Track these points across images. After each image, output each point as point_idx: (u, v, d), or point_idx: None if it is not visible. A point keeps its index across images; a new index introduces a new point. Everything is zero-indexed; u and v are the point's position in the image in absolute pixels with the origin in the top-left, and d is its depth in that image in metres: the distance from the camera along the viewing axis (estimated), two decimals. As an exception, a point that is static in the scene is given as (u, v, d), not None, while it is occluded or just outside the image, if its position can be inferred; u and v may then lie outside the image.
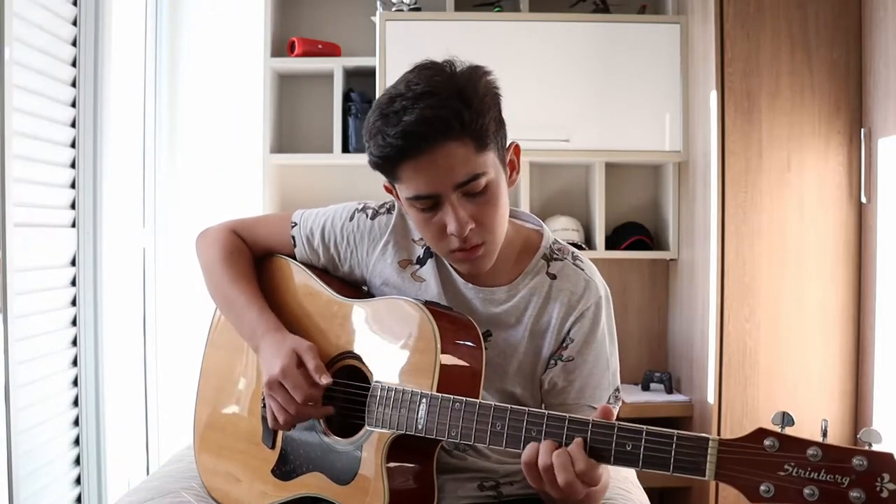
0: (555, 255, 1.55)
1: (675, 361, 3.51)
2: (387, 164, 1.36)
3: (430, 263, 1.55)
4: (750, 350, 3.02)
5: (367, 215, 1.61)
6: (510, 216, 1.57)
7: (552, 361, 1.50)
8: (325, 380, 1.43)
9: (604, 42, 3.29)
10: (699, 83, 3.18)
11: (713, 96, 3.04)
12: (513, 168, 1.47)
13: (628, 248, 3.45)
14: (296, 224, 1.66)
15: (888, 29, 2.82)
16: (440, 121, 1.30)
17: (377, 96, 3.19)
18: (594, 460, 1.19)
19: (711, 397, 3.05)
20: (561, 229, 3.38)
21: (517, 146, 1.47)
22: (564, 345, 1.50)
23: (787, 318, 3.03)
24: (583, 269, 1.54)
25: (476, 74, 1.36)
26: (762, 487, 1.04)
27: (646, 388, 3.42)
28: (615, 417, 1.32)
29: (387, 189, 1.50)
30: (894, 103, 2.79)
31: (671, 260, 3.54)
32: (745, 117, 3.02)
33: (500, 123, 1.40)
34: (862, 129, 2.97)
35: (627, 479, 1.90)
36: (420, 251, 1.57)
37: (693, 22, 3.24)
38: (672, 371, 3.49)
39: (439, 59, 1.39)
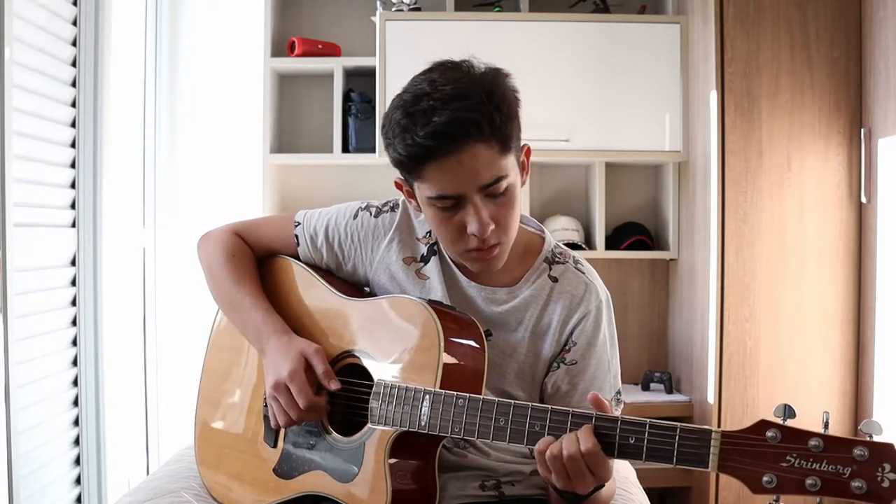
0: (556, 259, 1.56)
1: (675, 361, 3.51)
2: (412, 163, 1.36)
3: (433, 261, 1.56)
4: (750, 350, 3.02)
5: (370, 213, 1.61)
6: None
7: (555, 365, 1.51)
8: (333, 385, 1.45)
9: (604, 42, 3.29)
10: (699, 83, 3.19)
11: (713, 96, 3.04)
12: (524, 170, 1.47)
13: (628, 248, 3.46)
14: (299, 223, 1.66)
15: (888, 29, 2.82)
16: (472, 123, 1.30)
17: (377, 95, 3.23)
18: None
19: (711, 397, 3.05)
20: (561, 229, 3.38)
21: (528, 148, 1.48)
22: (567, 348, 1.50)
23: (787, 318, 3.03)
24: (583, 273, 1.55)
25: (500, 77, 1.37)
26: (765, 478, 1.05)
27: (646, 388, 3.42)
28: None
29: (397, 186, 1.50)
30: (894, 103, 2.79)
31: (671, 260, 3.54)
32: (745, 117, 3.02)
33: (520, 127, 1.41)
34: (862, 129, 2.97)
35: (627, 480, 1.90)
36: (424, 249, 1.57)
37: (693, 22, 3.24)
38: (672, 371, 3.49)
39: (457, 58, 1.39)
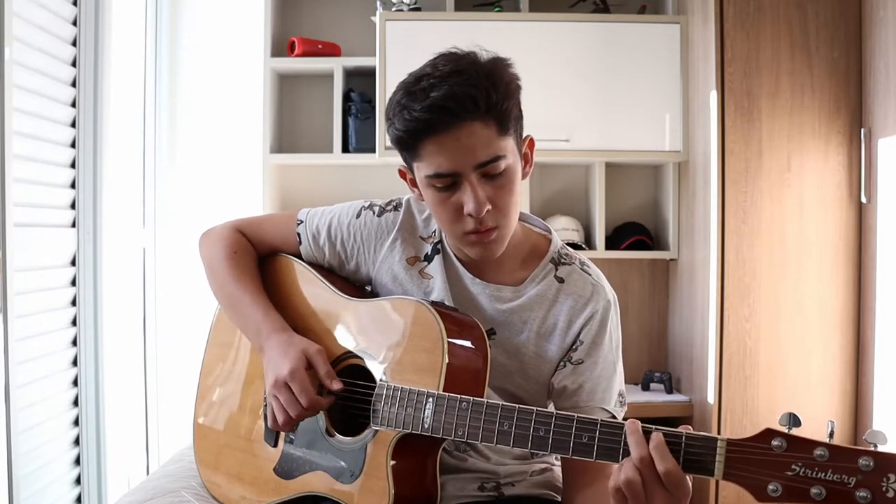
0: (563, 260, 1.55)
1: (675, 361, 3.51)
2: (410, 138, 1.36)
3: (437, 260, 1.55)
4: (750, 350, 3.02)
5: (374, 212, 1.61)
6: (519, 219, 1.58)
7: (561, 364, 1.50)
8: (336, 385, 1.44)
9: (604, 42, 3.29)
10: (699, 83, 3.18)
11: (713, 96, 3.04)
12: (527, 161, 1.48)
13: (628, 248, 3.46)
14: (301, 222, 1.66)
15: (888, 29, 2.82)
16: (469, 98, 1.31)
17: (377, 95, 3.23)
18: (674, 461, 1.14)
19: (711, 397, 3.05)
20: (561, 229, 3.38)
21: (532, 140, 1.48)
22: (574, 347, 1.50)
23: (787, 318, 3.03)
24: (590, 275, 1.54)
25: (501, 63, 1.39)
26: (770, 487, 1.05)
27: (646, 388, 3.42)
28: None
29: (401, 173, 1.51)
30: (894, 103, 2.79)
31: (671, 260, 3.54)
32: (745, 117, 3.02)
33: (520, 113, 1.42)
34: (862, 129, 2.97)
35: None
36: (428, 248, 1.57)
37: (693, 22, 3.24)
38: (672, 371, 3.49)
39: (464, 48, 1.41)
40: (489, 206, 1.37)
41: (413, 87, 1.35)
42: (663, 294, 3.64)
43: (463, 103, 1.31)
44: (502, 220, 1.41)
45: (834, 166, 3.02)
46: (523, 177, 1.47)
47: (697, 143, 3.22)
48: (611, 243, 3.48)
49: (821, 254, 3.03)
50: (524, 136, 1.46)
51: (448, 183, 1.37)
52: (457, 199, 1.38)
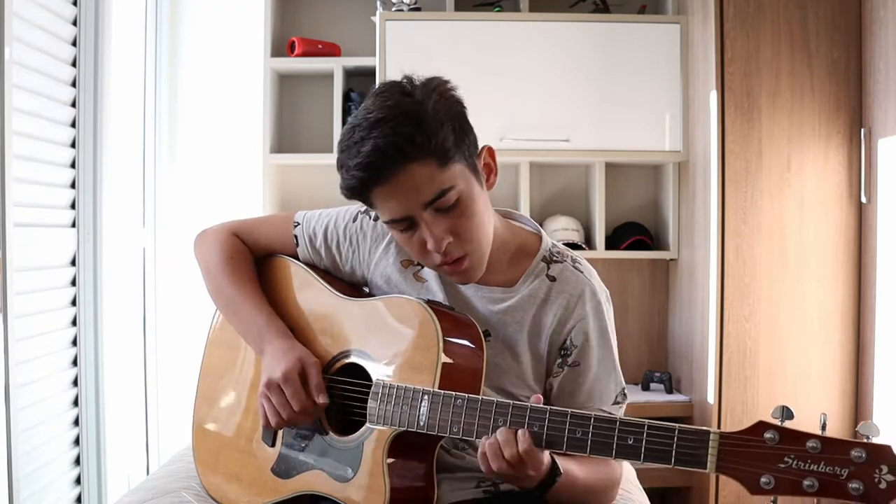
0: (555, 258, 1.55)
1: (675, 361, 3.51)
2: (355, 194, 1.39)
3: None
4: (750, 350, 3.02)
5: (369, 216, 1.62)
6: (507, 217, 1.58)
7: (558, 368, 1.51)
8: (321, 399, 1.45)
9: (604, 42, 3.29)
10: (699, 83, 3.19)
11: (713, 96, 3.04)
12: (489, 171, 1.47)
13: (628, 248, 3.45)
14: (298, 224, 1.66)
15: (888, 29, 2.82)
16: (393, 147, 1.31)
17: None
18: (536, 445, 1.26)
19: (711, 397, 3.05)
20: (561, 229, 3.38)
21: (490, 149, 1.47)
22: (567, 349, 1.50)
23: (787, 318, 3.03)
24: (582, 272, 1.54)
25: (428, 90, 1.36)
26: (763, 479, 1.05)
27: (646, 388, 3.41)
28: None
29: None
30: (894, 103, 2.79)
31: (671, 260, 3.54)
32: (745, 117, 3.02)
33: (463, 133, 1.39)
34: (862, 129, 2.97)
35: (628, 480, 1.90)
36: None
37: (693, 22, 3.24)
38: (672, 371, 3.49)
39: (399, 77, 1.40)
40: (449, 239, 1.38)
41: (347, 140, 1.36)
42: (663, 294, 3.64)
43: (388, 154, 1.31)
44: (469, 247, 1.41)
45: (834, 166, 3.02)
46: (490, 186, 1.47)
47: (697, 143, 3.22)
48: (611, 243, 3.48)
49: (821, 254, 3.03)
50: (480, 148, 1.44)
51: (406, 225, 1.39)
52: (419, 237, 1.40)
